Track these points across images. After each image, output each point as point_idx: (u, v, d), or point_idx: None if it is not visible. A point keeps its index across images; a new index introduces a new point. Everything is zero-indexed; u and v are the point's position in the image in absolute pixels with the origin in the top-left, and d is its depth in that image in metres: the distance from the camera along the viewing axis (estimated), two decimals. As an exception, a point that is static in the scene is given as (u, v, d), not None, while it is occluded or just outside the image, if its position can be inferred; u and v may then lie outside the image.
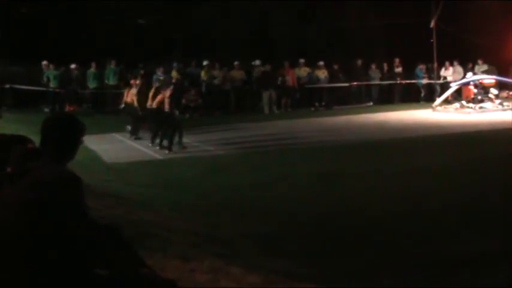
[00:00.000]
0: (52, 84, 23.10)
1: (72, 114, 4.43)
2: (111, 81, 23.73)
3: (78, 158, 3.83)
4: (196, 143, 14.77)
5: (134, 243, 4.32)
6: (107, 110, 23.66)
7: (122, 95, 20.31)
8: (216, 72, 24.04)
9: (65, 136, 3.59)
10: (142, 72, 24.00)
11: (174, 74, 23.24)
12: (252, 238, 6.37)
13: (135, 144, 15.28)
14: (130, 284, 3.58)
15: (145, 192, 9.19)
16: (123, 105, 18.05)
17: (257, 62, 24.47)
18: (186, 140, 14.92)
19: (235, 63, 24.29)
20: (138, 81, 16.92)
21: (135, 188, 9.64)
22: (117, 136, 16.99)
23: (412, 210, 7.56)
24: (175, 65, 23.95)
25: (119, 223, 4.60)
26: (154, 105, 14.66)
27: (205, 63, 23.95)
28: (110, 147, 14.90)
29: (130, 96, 16.75)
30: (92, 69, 23.78)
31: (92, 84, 23.81)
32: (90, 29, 25.89)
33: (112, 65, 23.79)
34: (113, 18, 26.34)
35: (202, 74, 23.76)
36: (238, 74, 24.25)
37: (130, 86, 17.56)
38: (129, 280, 3.64)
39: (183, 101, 21.89)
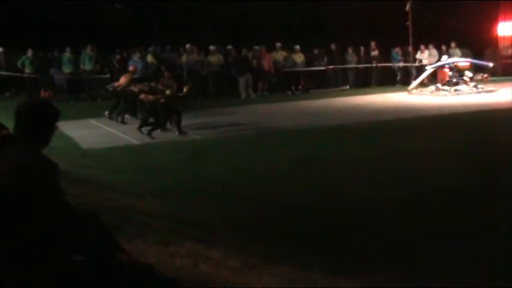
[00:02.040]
0: (27, 70, 22.87)
1: (47, 99, 4.40)
2: (87, 66, 23.52)
3: (54, 144, 3.81)
4: (173, 128, 14.72)
5: (113, 229, 4.33)
6: (83, 96, 23.51)
7: (98, 80, 20.23)
8: (195, 57, 23.95)
9: (39, 122, 3.56)
10: (118, 57, 23.92)
11: (149, 58, 23.12)
12: (231, 222, 6.40)
13: (112, 130, 15.19)
14: (109, 270, 3.58)
15: (123, 178, 9.16)
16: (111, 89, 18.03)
17: (229, 47, 24.44)
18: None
19: (212, 47, 24.18)
20: None
21: (113, 173, 9.60)
22: (94, 122, 16.87)
23: (390, 194, 7.61)
24: (150, 49, 23.82)
25: (97, 209, 4.61)
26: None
27: (187, 46, 23.83)
28: (87, 133, 14.81)
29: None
30: (67, 54, 23.53)
31: (66, 69, 23.59)
32: (65, 13, 25.61)
33: (88, 50, 23.58)
34: (89, 3, 26.04)
35: (184, 58, 23.65)
36: (215, 58, 24.16)
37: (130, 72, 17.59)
38: (108, 266, 3.65)
39: (159, 85, 21.78)
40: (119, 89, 17.07)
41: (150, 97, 14.50)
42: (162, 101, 14.09)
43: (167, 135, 13.91)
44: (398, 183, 8.22)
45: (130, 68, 18.77)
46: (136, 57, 22.21)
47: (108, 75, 23.31)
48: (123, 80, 17.19)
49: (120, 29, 25.78)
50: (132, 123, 15.36)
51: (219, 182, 8.75)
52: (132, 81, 16.61)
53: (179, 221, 6.26)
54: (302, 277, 4.67)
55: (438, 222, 6.26)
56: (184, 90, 14.81)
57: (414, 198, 7.30)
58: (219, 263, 4.65)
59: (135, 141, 13.22)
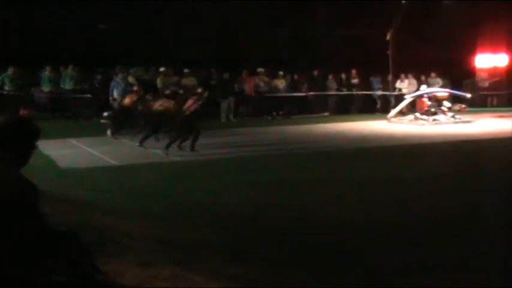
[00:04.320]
0: (7, 87, 22.67)
1: (27, 117, 4.36)
2: (67, 85, 23.42)
3: (33, 163, 3.78)
4: (155, 150, 14.68)
5: (92, 249, 4.29)
6: (67, 115, 23.37)
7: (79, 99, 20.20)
8: (174, 79, 23.97)
9: (18, 140, 3.53)
10: (99, 77, 23.87)
11: (130, 79, 23.10)
12: (213, 245, 6.37)
13: (91, 150, 15.11)
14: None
15: (103, 198, 9.09)
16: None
17: (213, 70, 24.52)
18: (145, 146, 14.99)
19: (186, 70, 24.20)
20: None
21: (93, 193, 9.53)
22: (73, 141, 16.77)
23: (368, 219, 7.64)
24: (132, 70, 23.80)
25: (75, 229, 4.56)
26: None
27: (161, 69, 23.85)
28: (66, 152, 14.70)
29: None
30: (47, 72, 23.41)
31: (46, 88, 23.45)
32: (47, 31, 25.56)
33: (69, 70, 23.50)
34: (73, 22, 26.03)
35: (158, 81, 23.63)
36: (188, 80, 24.14)
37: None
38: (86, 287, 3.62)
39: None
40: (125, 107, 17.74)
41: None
42: (187, 114, 14.42)
43: (148, 156, 13.87)
44: (380, 209, 8.25)
45: (135, 88, 18.98)
46: (118, 78, 22.18)
47: (89, 95, 23.26)
48: (128, 100, 17.93)
49: (103, 49, 25.71)
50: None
51: (199, 204, 8.72)
52: (138, 101, 17.58)
53: (160, 242, 6.23)
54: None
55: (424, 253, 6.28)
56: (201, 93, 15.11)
57: (395, 226, 7.32)
58: (201, 287, 4.63)
59: (114, 162, 13.16)
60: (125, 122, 17.73)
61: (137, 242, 5.92)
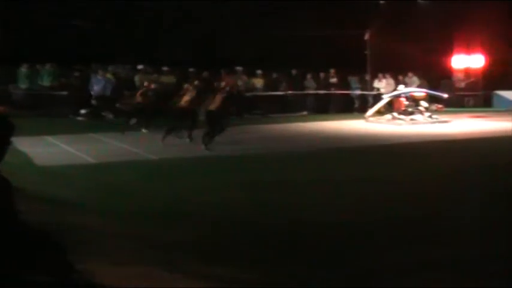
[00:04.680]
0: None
1: (2, 114, 4.33)
2: (45, 82, 23.27)
3: (9, 160, 3.77)
4: (130, 148, 14.64)
5: (67, 248, 4.29)
6: (42, 112, 23.18)
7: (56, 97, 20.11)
8: (149, 77, 23.88)
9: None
10: (77, 74, 23.73)
11: (109, 77, 23.01)
12: (188, 244, 6.36)
13: (68, 148, 15.02)
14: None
15: (79, 196, 9.05)
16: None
17: (191, 69, 24.45)
18: (121, 145, 14.91)
19: (164, 68, 24.12)
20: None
21: (68, 191, 9.48)
22: (50, 139, 16.66)
23: (346, 219, 7.67)
24: (110, 68, 23.69)
25: (50, 227, 4.55)
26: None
27: (139, 67, 23.77)
28: (42, 150, 14.60)
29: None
30: (23, 69, 23.23)
31: (23, 84, 23.27)
32: (24, 27, 25.34)
33: (47, 67, 23.34)
34: (49, 18, 25.81)
35: (136, 78, 23.53)
36: (167, 79, 24.05)
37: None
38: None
39: (117, 104, 21.81)
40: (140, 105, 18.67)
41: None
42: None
43: (124, 155, 13.82)
44: (359, 209, 8.29)
45: (145, 84, 19.96)
46: (99, 75, 22.14)
47: (65, 93, 23.13)
48: (139, 96, 18.96)
49: (80, 46, 25.53)
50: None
51: (175, 203, 8.71)
52: (148, 97, 18.87)
53: (134, 241, 6.23)
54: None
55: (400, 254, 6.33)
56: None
57: (373, 226, 7.37)
58: (175, 286, 4.63)
59: (91, 160, 13.10)
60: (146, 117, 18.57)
61: (112, 240, 5.91)
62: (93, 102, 22.70)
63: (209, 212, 8.01)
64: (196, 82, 17.63)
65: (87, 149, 14.40)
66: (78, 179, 10.91)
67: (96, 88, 22.67)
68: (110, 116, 22.59)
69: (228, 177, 10.94)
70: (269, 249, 6.30)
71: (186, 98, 16.25)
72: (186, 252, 6.01)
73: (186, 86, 17.70)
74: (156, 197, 9.15)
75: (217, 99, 15.13)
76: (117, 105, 22.01)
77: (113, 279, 4.44)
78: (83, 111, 22.46)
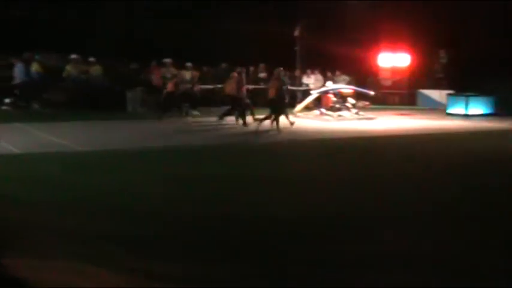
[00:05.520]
0: None
1: None
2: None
3: None
4: (57, 139, 14.38)
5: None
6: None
7: None
8: (83, 67, 23.52)
9: None
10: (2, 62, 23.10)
11: (35, 66, 22.47)
12: (112, 237, 6.34)
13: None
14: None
15: (0, 187, 8.85)
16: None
17: (122, 60, 24.20)
18: (48, 136, 14.65)
19: (91, 59, 23.78)
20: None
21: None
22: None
23: (266, 215, 7.77)
24: (37, 57, 23.15)
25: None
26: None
27: (73, 56, 23.35)
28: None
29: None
30: None
31: None
32: None
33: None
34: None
35: (68, 68, 23.11)
36: (94, 69, 23.71)
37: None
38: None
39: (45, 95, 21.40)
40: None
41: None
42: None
43: (50, 146, 13.57)
44: (283, 205, 8.40)
45: (174, 73, 22.71)
46: (20, 63, 21.62)
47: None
48: (170, 85, 21.43)
49: (8, 34, 24.81)
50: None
51: (99, 196, 8.62)
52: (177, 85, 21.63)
53: (59, 235, 6.16)
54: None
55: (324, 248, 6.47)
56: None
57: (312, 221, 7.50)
58: (101, 280, 4.62)
59: (15, 150, 12.80)
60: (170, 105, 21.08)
61: (34, 233, 5.83)
62: (16, 91, 22.16)
63: (133, 205, 7.97)
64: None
65: (12, 139, 14.05)
66: (1, 169, 10.65)
67: (19, 77, 22.13)
68: (36, 106, 22.11)
69: (152, 171, 10.89)
70: (194, 243, 6.35)
71: (232, 86, 19.53)
72: (112, 246, 5.99)
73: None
74: (80, 189, 9.02)
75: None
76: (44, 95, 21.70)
77: (36, 273, 4.39)
78: (7, 100, 21.88)
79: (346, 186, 9.81)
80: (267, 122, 17.92)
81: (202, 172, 10.83)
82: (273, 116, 17.95)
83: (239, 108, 19.30)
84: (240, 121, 19.04)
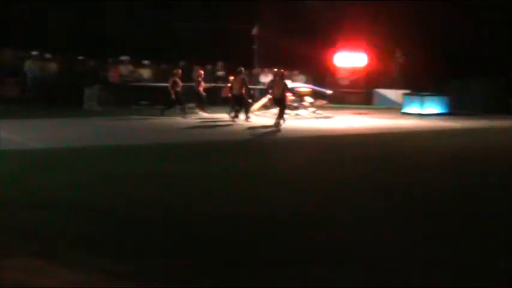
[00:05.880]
0: None
1: None
2: None
3: None
4: (16, 137, 14.12)
5: None
6: None
7: None
8: (41, 64, 23.22)
9: None
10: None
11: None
12: (70, 236, 6.26)
13: None
14: None
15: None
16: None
17: (80, 57, 23.94)
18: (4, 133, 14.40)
19: (47, 55, 23.46)
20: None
21: None
22: None
23: (240, 212, 7.76)
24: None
25: None
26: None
27: (34, 53, 23.03)
28: None
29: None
30: None
31: None
32: None
33: None
34: None
35: (27, 64, 22.76)
36: (50, 66, 23.41)
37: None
38: None
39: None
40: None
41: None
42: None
43: (8, 143, 13.32)
44: (252, 201, 8.40)
45: (174, 71, 22.35)
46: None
47: None
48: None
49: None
50: None
51: (60, 195, 8.49)
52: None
53: (17, 233, 6.06)
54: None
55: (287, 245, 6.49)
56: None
57: (268, 218, 7.51)
58: (59, 279, 4.56)
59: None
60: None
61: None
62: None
63: (91, 204, 7.86)
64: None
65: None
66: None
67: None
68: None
69: (104, 168, 10.74)
70: (149, 241, 6.30)
71: (237, 86, 20.77)
72: (70, 245, 5.91)
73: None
74: (36, 188, 8.84)
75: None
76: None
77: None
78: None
79: (305, 185, 9.86)
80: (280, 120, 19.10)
81: (168, 170, 10.76)
82: (281, 111, 19.33)
83: (244, 105, 20.91)
84: (232, 114, 20.68)
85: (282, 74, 20.18)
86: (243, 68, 21.52)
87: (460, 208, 8.28)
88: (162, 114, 21.21)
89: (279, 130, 18.15)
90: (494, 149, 15.10)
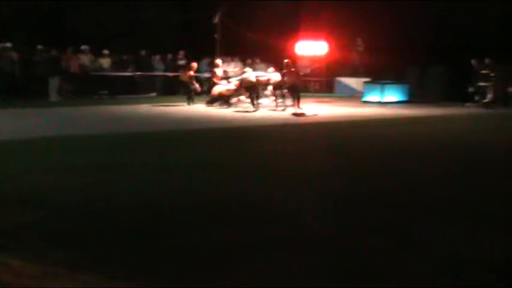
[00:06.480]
0: None
1: None
2: None
3: None
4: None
5: None
6: None
7: None
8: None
9: None
10: None
11: None
12: (31, 228, 6.22)
13: None
14: None
15: None
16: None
17: (40, 47, 23.62)
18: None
19: (7, 45, 23.11)
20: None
21: None
22: None
23: (195, 202, 7.78)
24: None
25: None
26: None
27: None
28: None
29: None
30: None
31: None
32: None
33: None
34: None
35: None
36: (9, 56, 23.10)
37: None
38: None
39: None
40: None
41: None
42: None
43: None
44: (205, 191, 8.42)
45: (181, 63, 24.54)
46: None
47: None
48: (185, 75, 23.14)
49: None
50: None
51: (18, 186, 8.40)
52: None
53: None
54: (106, 286, 4.72)
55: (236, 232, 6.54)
56: None
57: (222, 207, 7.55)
58: (19, 272, 4.55)
59: None
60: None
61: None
62: None
63: (50, 195, 7.79)
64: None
65: None
66: None
67: None
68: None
69: (63, 159, 10.65)
70: (111, 231, 6.29)
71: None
72: (32, 237, 5.88)
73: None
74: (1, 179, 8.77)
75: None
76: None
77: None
78: None
79: (265, 175, 9.92)
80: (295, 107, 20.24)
81: (128, 160, 10.69)
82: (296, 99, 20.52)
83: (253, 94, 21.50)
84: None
85: (293, 63, 21.21)
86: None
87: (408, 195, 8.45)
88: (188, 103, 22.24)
89: (302, 114, 19.31)
90: (445, 137, 15.28)
